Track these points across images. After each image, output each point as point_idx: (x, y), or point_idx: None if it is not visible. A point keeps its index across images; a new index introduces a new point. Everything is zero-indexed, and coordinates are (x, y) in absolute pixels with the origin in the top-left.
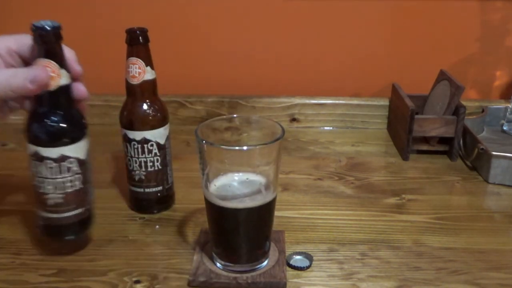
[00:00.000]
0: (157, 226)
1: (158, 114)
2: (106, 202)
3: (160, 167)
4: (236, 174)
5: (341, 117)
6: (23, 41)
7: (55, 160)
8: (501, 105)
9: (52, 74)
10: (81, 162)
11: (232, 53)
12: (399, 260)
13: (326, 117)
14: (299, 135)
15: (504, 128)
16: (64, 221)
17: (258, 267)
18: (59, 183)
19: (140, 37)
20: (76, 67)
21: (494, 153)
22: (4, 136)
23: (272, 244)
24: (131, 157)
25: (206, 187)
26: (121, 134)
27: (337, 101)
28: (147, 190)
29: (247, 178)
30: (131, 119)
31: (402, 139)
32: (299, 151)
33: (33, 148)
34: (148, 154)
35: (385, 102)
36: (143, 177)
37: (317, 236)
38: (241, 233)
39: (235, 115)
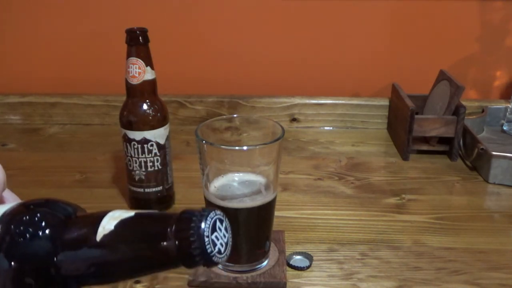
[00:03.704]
0: None
1: (158, 114)
2: (106, 202)
3: (160, 167)
4: (236, 174)
5: (341, 117)
6: None
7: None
8: (501, 105)
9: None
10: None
11: (232, 53)
12: (399, 260)
13: (326, 117)
14: (299, 135)
15: (504, 128)
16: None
17: (258, 267)
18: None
19: (140, 37)
20: None
21: (494, 153)
22: (4, 136)
23: (272, 244)
24: (131, 157)
25: (206, 187)
26: (121, 134)
27: (337, 101)
28: (147, 190)
29: (246, 181)
30: (131, 119)
31: (402, 139)
32: (299, 151)
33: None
34: (148, 154)
35: (385, 102)
36: (143, 177)
37: (317, 236)
38: (241, 233)
39: (235, 115)
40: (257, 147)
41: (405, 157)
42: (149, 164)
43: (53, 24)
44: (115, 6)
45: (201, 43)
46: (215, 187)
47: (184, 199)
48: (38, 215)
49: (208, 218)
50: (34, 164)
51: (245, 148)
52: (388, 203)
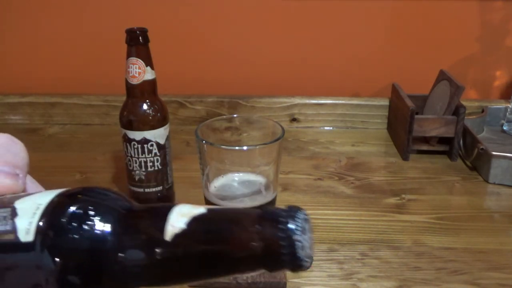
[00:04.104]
0: None
1: (158, 114)
2: None
3: (160, 167)
4: (236, 174)
5: (341, 117)
6: None
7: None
8: (501, 105)
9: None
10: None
11: (232, 53)
12: (399, 260)
13: (326, 117)
14: (299, 135)
15: (504, 128)
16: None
17: None
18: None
19: (140, 37)
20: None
21: (494, 153)
22: None
23: None
24: (131, 157)
25: (206, 187)
26: (121, 134)
27: (337, 101)
28: (147, 190)
29: (246, 181)
30: (131, 119)
31: (402, 139)
32: (299, 151)
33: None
34: (148, 154)
35: (385, 102)
36: (143, 177)
37: (317, 236)
38: None
39: (235, 115)
40: (257, 147)
41: (405, 157)
42: (149, 164)
43: (53, 24)
44: (115, 6)
45: (201, 43)
46: (215, 187)
47: (184, 199)
48: (93, 207)
49: (297, 219)
50: (34, 164)
51: (245, 148)
52: (388, 203)
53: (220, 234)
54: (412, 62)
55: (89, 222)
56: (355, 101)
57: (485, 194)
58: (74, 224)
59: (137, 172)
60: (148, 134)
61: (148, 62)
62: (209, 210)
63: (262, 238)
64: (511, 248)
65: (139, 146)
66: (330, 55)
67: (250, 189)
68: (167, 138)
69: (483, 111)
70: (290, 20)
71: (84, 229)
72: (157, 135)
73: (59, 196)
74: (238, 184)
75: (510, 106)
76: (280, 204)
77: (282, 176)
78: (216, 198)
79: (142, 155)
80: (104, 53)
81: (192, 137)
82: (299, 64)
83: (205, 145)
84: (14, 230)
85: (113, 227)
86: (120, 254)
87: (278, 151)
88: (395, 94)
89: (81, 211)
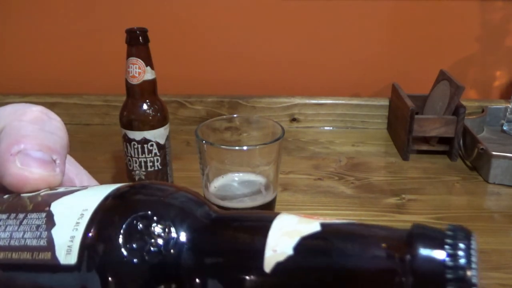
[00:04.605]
0: None
1: (158, 114)
2: None
3: (160, 167)
4: (236, 174)
5: (341, 117)
6: None
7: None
8: (501, 105)
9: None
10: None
11: (232, 53)
12: None
13: (326, 117)
14: (299, 135)
15: (504, 128)
16: None
17: None
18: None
19: (140, 37)
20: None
21: (494, 153)
22: None
23: None
24: (131, 157)
25: (206, 187)
26: (121, 134)
27: (337, 101)
28: None
29: (246, 181)
30: (131, 119)
31: (402, 139)
32: (299, 151)
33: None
34: (148, 154)
35: (385, 102)
36: (143, 177)
37: None
38: None
39: (235, 115)
40: (257, 147)
41: (405, 157)
42: (149, 164)
43: (53, 24)
44: (115, 6)
45: (201, 43)
46: (215, 187)
47: None
48: (162, 215)
49: (471, 249)
50: None
51: (245, 148)
52: (388, 203)
53: (347, 264)
54: (412, 62)
55: (158, 240)
56: (355, 101)
57: (485, 194)
58: (135, 244)
59: (137, 172)
60: (148, 134)
61: (148, 62)
62: (324, 226)
63: (413, 272)
64: (511, 248)
65: (139, 146)
66: (330, 55)
67: (250, 189)
68: (167, 138)
69: (483, 111)
70: (290, 20)
71: (150, 250)
72: (157, 135)
73: (111, 197)
74: (238, 184)
75: (510, 106)
76: (280, 204)
77: (282, 176)
78: (216, 198)
79: (142, 155)
80: (104, 53)
81: (192, 137)
82: (299, 64)
83: (205, 145)
84: (50, 247)
85: (190, 245)
86: (198, 282)
87: (278, 151)
88: (395, 94)
89: (144, 222)
